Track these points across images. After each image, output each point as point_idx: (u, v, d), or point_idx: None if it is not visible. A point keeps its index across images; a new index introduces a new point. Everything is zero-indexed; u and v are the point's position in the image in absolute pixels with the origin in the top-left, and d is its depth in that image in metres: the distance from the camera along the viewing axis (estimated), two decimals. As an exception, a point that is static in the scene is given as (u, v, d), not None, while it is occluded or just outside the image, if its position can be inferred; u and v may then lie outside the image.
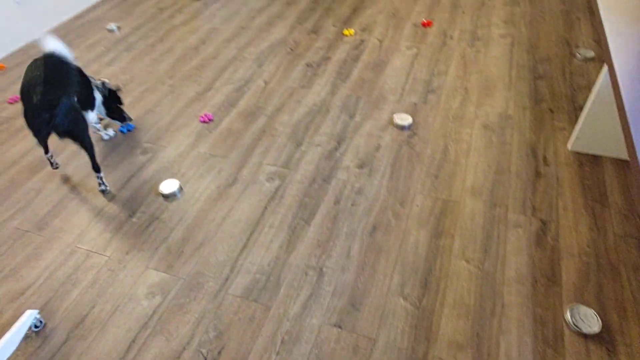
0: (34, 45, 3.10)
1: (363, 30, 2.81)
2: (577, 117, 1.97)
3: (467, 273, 1.43)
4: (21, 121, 2.36)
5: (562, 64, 2.30)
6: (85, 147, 1.78)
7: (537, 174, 1.73)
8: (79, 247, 1.65)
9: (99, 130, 2.10)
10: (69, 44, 3.06)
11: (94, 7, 3.56)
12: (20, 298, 1.51)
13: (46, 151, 1.88)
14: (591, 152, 1.80)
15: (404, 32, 2.73)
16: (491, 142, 1.89)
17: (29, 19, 3.14)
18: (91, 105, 1.96)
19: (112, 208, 1.79)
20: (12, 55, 3.01)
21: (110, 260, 1.59)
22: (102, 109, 2.06)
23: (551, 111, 2.02)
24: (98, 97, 2.01)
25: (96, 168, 1.84)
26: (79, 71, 1.89)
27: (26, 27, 3.13)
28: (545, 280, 1.39)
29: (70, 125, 1.69)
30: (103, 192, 1.88)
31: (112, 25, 3.17)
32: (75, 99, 1.73)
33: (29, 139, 2.23)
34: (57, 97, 1.61)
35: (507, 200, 1.64)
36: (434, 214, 1.62)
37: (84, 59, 2.86)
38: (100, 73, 2.69)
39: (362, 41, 2.69)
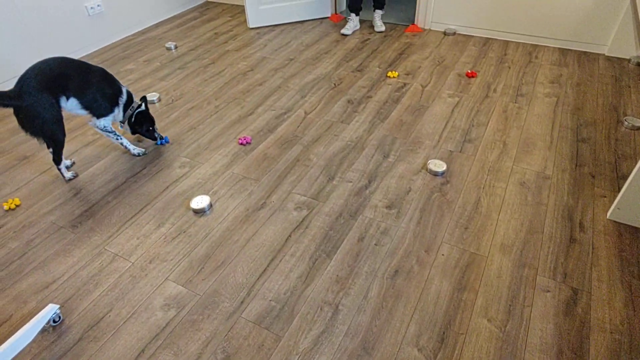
0: (96, 54, 3.34)
1: (407, 74, 2.86)
2: (619, 186, 1.90)
3: (488, 333, 1.37)
4: (72, 124, 2.51)
5: (607, 130, 2.25)
6: (48, 143, 1.92)
7: (572, 240, 1.67)
8: (107, 250, 1.71)
9: (118, 139, 2.16)
10: (129, 57, 3.27)
11: (156, 26, 3.81)
12: (45, 291, 1.56)
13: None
14: (632, 223, 1.72)
15: (448, 80, 2.76)
16: (526, 200, 1.84)
17: (96, 30, 3.40)
18: (104, 113, 2.04)
19: (143, 216, 1.85)
20: (77, 61, 3.25)
21: (133, 267, 1.63)
22: (120, 117, 2.13)
23: (592, 176, 1.96)
24: (117, 110, 2.09)
25: (56, 162, 1.99)
26: (100, 75, 1.99)
27: (93, 38, 3.39)
28: (572, 354, 1.31)
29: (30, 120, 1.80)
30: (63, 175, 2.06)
31: (170, 44, 3.38)
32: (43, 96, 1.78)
33: (78, 140, 2.36)
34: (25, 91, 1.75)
35: (537, 262, 1.58)
36: (460, 266, 1.58)
37: (139, 72, 3.05)
38: (153, 86, 2.85)
39: (405, 84, 2.74)
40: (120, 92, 2.08)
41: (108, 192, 1.99)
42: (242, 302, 1.49)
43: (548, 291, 1.48)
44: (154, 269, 1.62)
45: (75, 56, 3.27)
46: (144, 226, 1.81)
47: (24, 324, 1.42)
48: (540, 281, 1.52)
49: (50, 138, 1.89)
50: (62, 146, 1.95)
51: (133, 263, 1.65)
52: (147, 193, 1.98)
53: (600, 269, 1.55)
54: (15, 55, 2.89)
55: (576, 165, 2.02)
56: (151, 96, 2.68)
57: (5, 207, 1.91)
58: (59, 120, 1.87)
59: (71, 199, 1.96)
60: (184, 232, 1.77)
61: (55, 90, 1.83)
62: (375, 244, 1.68)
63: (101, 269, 1.63)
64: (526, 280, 1.52)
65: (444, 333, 1.37)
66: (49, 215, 1.88)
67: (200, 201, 1.87)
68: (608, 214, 1.76)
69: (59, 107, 1.87)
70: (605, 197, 1.85)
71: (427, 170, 2.03)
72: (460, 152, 2.14)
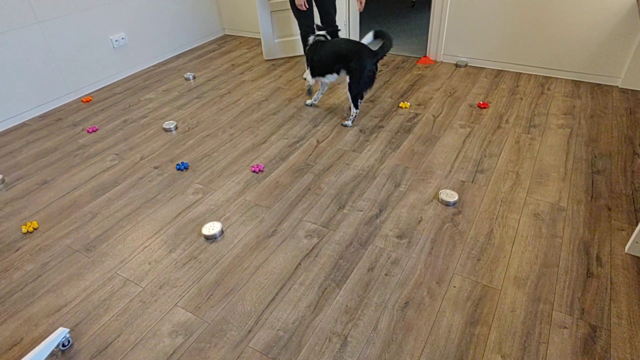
0: (119, 84, 3.47)
1: (419, 104, 2.90)
2: (637, 219, 1.86)
3: (502, 370, 1.32)
4: (94, 149, 2.60)
5: (623, 161, 2.22)
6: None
7: (589, 274, 1.62)
8: (118, 274, 1.73)
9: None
10: (149, 86, 3.40)
11: (176, 57, 3.97)
12: (56, 314, 1.57)
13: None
14: (652, 258, 1.67)
15: (459, 111, 2.78)
16: (540, 232, 1.81)
17: (119, 61, 3.55)
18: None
19: (156, 242, 1.88)
20: (99, 90, 3.39)
21: (143, 292, 1.64)
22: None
23: (609, 209, 1.92)
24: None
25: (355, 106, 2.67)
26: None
27: (117, 68, 3.54)
28: (591, 395, 1.25)
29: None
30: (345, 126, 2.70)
31: (189, 75, 3.50)
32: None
33: (97, 166, 2.43)
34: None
35: (552, 297, 1.54)
36: (472, 299, 1.55)
37: (158, 101, 3.15)
38: (171, 115, 2.95)
39: (417, 114, 2.77)
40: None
41: (123, 217, 2.03)
42: (249, 331, 1.47)
43: (565, 327, 1.43)
44: (164, 295, 1.62)
45: (99, 85, 3.42)
46: (156, 251, 1.82)
47: (34, 347, 1.43)
48: (556, 317, 1.47)
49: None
50: None
51: (143, 288, 1.66)
52: (161, 218, 2.01)
53: (620, 305, 1.50)
54: (46, 84, 3.03)
55: (592, 197, 1.99)
56: (168, 124, 2.77)
57: (24, 230, 1.96)
58: None
59: (87, 223, 2.00)
60: (195, 258, 1.78)
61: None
62: (386, 274, 1.66)
63: (112, 294, 1.64)
64: (541, 316, 1.47)
65: (455, 369, 1.33)
66: (64, 239, 1.92)
67: (211, 227, 1.89)
68: (626, 247, 1.71)
69: None
70: (623, 230, 1.81)
71: (438, 200, 2.02)
72: (472, 182, 2.13)
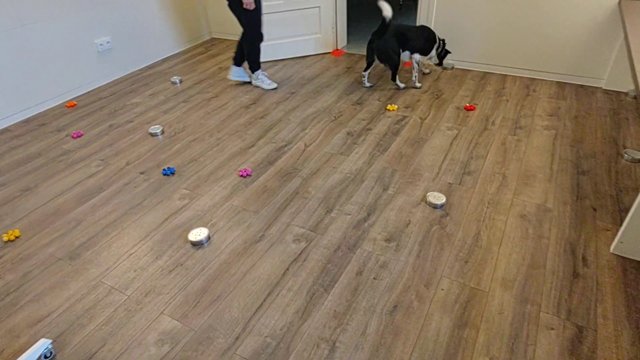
0: (104, 88, 3.43)
1: (406, 107, 2.91)
2: (622, 219, 1.88)
3: (490, 373, 1.32)
4: (78, 154, 2.55)
5: (608, 162, 2.25)
6: (390, 67, 3.08)
7: (575, 275, 1.63)
8: (103, 282, 1.69)
9: (414, 78, 3.17)
10: (135, 90, 3.36)
11: (162, 61, 3.93)
12: (38, 325, 1.54)
13: (366, 69, 3.16)
14: (636, 257, 1.68)
15: (446, 113, 2.79)
16: (527, 233, 1.82)
17: (104, 66, 3.51)
18: (425, 52, 3.11)
19: (141, 248, 1.85)
20: (84, 95, 3.34)
21: (128, 300, 1.61)
22: (435, 58, 3.20)
23: (594, 209, 1.94)
24: (433, 52, 3.14)
25: (393, 78, 3.15)
26: (423, 29, 3.06)
27: (100, 72, 3.49)
28: (578, 396, 1.26)
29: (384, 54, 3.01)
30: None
31: (176, 78, 3.47)
32: (392, 40, 2.95)
33: (82, 172, 2.39)
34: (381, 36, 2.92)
35: (539, 298, 1.55)
36: (460, 301, 1.55)
37: (145, 105, 3.12)
38: (157, 119, 2.91)
39: (404, 117, 2.78)
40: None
41: (108, 224, 2.00)
42: (237, 338, 1.45)
43: (552, 329, 1.44)
44: (150, 303, 1.60)
45: (84, 90, 3.37)
46: (142, 258, 1.80)
47: (16, 359, 1.39)
48: (543, 318, 1.48)
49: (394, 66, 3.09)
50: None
51: (129, 296, 1.63)
52: (147, 225, 1.98)
53: (606, 306, 1.51)
54: (29, 88, 2.98)
55: (577, 198, 2.01)
56: (154, 129, 2.73)
57: (5, 238, 1.92)
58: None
59: (71, 231, 1.97)
60: (181, 264, 1.76)
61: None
62: (374, 278, 1.65)
63: (96, 302, 1.61)
64: (529, 317, 1.48)
65: (444, 372, 1.33)
66: (47, 247, 1.88)
67: (198, 233, 1.87)
68: (611, 247, 1.73)
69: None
70: (608, 230, 1.83)
71: (426, 202, 2.02)
72: (459, 184, 2.14)
